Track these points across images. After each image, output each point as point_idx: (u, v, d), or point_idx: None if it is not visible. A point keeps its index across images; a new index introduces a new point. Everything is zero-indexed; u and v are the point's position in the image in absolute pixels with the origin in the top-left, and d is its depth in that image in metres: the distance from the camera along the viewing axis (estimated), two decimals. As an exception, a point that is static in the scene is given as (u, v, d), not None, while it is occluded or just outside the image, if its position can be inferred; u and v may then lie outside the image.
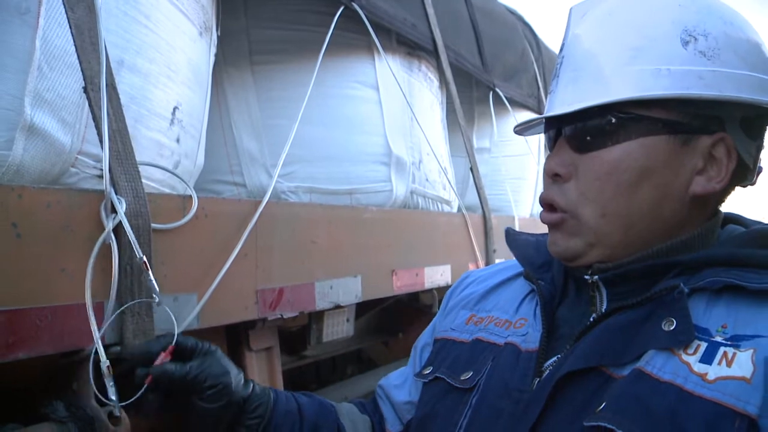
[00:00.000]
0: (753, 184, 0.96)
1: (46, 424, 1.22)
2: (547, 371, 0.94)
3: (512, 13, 4.39)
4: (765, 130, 0.95)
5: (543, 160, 4.60)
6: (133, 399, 1.09)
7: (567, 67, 0.95)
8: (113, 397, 1.12)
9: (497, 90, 3.64)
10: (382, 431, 1.23)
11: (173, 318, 1.16)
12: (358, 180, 2.48)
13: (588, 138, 0.93)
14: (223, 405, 1.08)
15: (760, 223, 0.99)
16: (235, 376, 1.11)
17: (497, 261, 3.07)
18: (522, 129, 1.11)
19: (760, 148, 0.94)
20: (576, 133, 0.94)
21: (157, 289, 1.25)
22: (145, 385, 1.06)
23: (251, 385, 1.14)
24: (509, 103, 3.73)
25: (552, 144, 0.99)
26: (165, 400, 1.09)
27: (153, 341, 1.12)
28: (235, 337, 1.74)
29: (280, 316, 1.69)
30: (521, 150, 4.10)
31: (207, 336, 1.64)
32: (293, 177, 2.40)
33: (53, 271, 1.21)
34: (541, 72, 4.37)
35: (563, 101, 0.94)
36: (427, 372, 1.13)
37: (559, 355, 0.95)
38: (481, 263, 2.87)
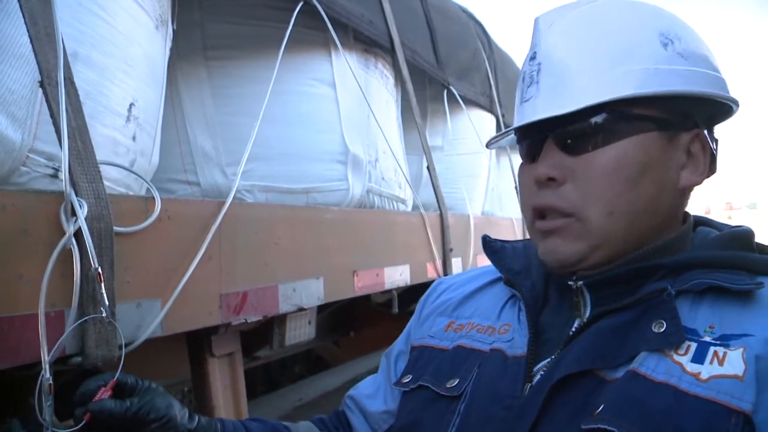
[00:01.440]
0: (714, 173, 1.00)
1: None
2: (538, 376, 0.93)
3: (465, 11, 4.39)
4: (719, 124, 1.01)
5: (495, 160, 4.64)
6: (68, 431, 1.04)
7: (546, 73, 0.95)
8: (47, 418, 1.07)
9: (451, 88, 3.63)
10: None
11: (121, 337, 1.10)
12: (314, 179, 2.43)
13: (582, 139, 0.93)
14: None
15: (728, 226, 1.03)
16: (179, 410, 1.08)
17: (453, 260, 3.07)
18: (496, 140, 1.09)
19: (717, 142, 1.00)
20: (568, 136, 0.93)
21: (107, 303, 1.19)
22: (83, 422, 1.02)
23: (196, 418, 1.11)
24: (463, 101, 3.72)
25: (530, 152, 0.98)
26: None
27: (92, 379, 1.07)
28: (197, 343, 1.68)
29: (244, 321, 1.63)
30: (474, 148, 4.11)
31: (167, 342, 1.58)
32: (249, 175, 2.33)
33: (10, 278, 1.13)
34: (492, 71, 4.38)
35: (551, 105, 0.93)
36: (407, 380, 1.10)
37: (548, 360, 0.94)
38: (439, 263, 2.85)
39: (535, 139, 0.97)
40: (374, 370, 3.22)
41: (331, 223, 2.05)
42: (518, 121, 0.98)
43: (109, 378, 1.06)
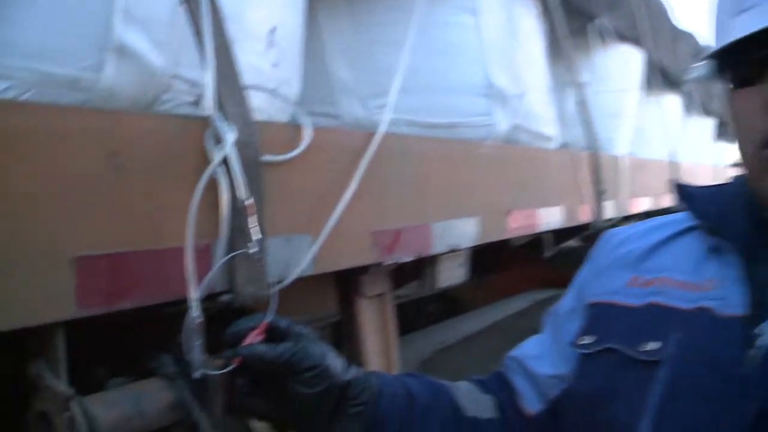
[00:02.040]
0: None
1: (155, 380, 1.08)
2: (760, 340, 0.78)
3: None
4: None
5: (645, 97, 4.31)
6: (217, 372, 0.98)
7: None
8: (197, 359, 0.98)
9: (598, 21, 3.35)
10: (514, 410, 1.06)
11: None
12: (458, 113, 2.27)
13: None
14: (322, 390, 0.96)
15: None
16: (334, 359, 0.98)
17: (607, 203, 2.84)
18: (700, 66, 0.90)
19: None
20: None
21: (257, 236, 1.08)
22: (233, 366, 0.95)
23: (353, 368, 1.01)
24: (609, 36, 3.43)
25: (752, 72, 0.81)
26: (256, 387, 0.98)
27: (242, 320, 0.99)
28: (346, 283, 1.57)
29: (396, 261, 1.51)
30: (619, 85, 3.82)
31: (316, 283, 1.48)
32: (394, 109, 2.19)
33: (154, 209, 1.04)
34: (643, 5, 4.03)
35: None
36: (589, 342, 0.95)
37: None
38: (591, 205, 2.64)
39: (758, 54, 0.79)
40: (517, 316, 3.05)
41: (484, 159, 1.89)
42: (739, 33, 0.79)
43: (260, 320, 0.99)
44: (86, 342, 1.11)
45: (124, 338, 1.15)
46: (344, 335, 1.59)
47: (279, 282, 1.19)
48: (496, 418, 1.06)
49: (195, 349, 1.00)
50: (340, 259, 1.37)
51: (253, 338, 0.97)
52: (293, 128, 1.27)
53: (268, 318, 0.98)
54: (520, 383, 1.06)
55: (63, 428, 0.93)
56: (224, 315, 1.12)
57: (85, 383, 1.05)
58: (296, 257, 1.25)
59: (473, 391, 1.08)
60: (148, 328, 1.15)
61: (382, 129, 1.46)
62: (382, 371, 1.13)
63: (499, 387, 1.09)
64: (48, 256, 0.91)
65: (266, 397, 0.98)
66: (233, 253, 1.11)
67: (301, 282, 1.26)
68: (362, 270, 1.53)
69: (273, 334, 0.98)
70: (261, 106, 1.44)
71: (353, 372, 1.00)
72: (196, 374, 1.00)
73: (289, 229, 1.25)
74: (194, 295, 1.01)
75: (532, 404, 1.04)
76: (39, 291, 0.91)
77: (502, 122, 2.34)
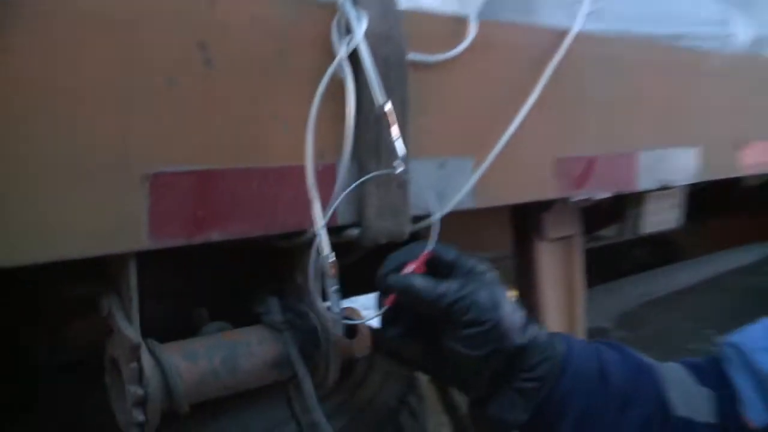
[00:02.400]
0: None
1: (256, 329, 0.87)
2: None
3: None
4: None
5: None
6: (365, 320, 0.85)
7: None
8: (335, 308, 0.81)
9: None
10: (734, 417, 0.79)
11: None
12: (685, 20, 1.86)
13: None
14: (486, 354, 0.76)
15: None
16: (510, 313, 0.77)
17: None
18: None
19: None
20: None
21: (403, 151, 0.83)
22: (384, 307, 0.80)
23: (532, 326, 0.80)
24: None
25: None
26: (405, 332, 0.83)
27: (399, 252, 0.84)
28: (522, 221, 1.29)
29: (587, 198, 1.20)
30: None
31: (484, 219, 1.21)
32: (600, 16, 1.82)
33: (262, 117, 0.82)
34: None
35: None
36: None
37: None
38: None
39: None
40: (743, 272, 2.56)
41: (715, 76, 1.49)
42: None
43: (420, 250, 0.81)
44: (189, 278, 0.93)
45: (232, 275, 0.95)
46: (519, 285, 1.31)
47: (423, 217, 0.94)
48: (716, 423, 0.77)
49: (332, 297, 0.81)
50: (511, 191, 1.09)
51: (410, 269, 0.81)
52: (454, 21, 0.98)
53: (430, 247, 0.81)
54: (741, 383, 0.76)
55: (131, 380, 0.75)
56: (346, 255, 0.90)
57: (181, 328, 0.87)
58: (452, 186, 0.99)
59: (686, 381, 0.82)
60: (260, 264, 0.94)
61: (575, 27, 1.14)
62: (570, 335, 0.85)
63: (718, 381, 0.79)
64: (113, 171, 0.72)
65: (419, 346, 0.83)
66: (367, 176, 0.87)
67: (459, 218, 1.00)
68: (543, 206, 1.23)
69: (437, 270, 0.81)
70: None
71: (531, 332, 0.79)
72: (336, 328, 0.80)
73: (443, 150, 0.98)
74: (322, 227, 0.79)
75: (757, 414, 0.75)
76: (102, 215, 0.72)
77: (742, 32, 1.90)
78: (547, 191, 1.14)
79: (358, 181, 0.86)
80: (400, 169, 0.83)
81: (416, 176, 0.94)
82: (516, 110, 1.03)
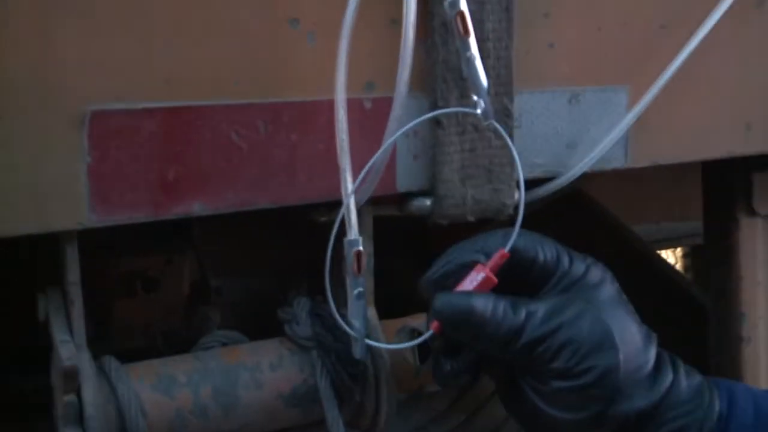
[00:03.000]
0: None
1: (276, 344, 0.59)
2: None
3: None
4: None
5: None
6: (398, 346, 0.59)
7: None
8: (356, 320, 0.55)
9: None
10: None
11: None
12: None
13: None
14: (588, 418, 0.50)
15: None
16: (630, 357, 0.51)
17: None
18: None
19: None
20: None
21: (483, 79, 0.51)
22: (426, 334, 0.53)
23: (669, 376, 0.52)
24: None
25: None
26: (469, 368, 0.54)
27: (459, 246, 0.54)
28: (719, 192, 0.90)
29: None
30: None
31: (648, 186, 0.85)
32: None
33: (271, 20, 0.53)
34: None
35: None
36: None
37: None
38: None
39: None
40: None
41: None
42: None
43: (496, 243, 0.52)
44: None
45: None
46: (714, 280, 0.93)
47: (533, 180, 0.61)
48: None
49: (353, 303, 0.55)
50: (690, 142, 0.72)
51: (472, 281, 0.51)
52: None
53: (512, 240, 0.51)
54: None
55: (65, 421, 0.50)
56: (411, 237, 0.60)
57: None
58: (591, 133, 0.65)
59: None
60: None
61: None
62: (737, 383, 0.52)
63: None
64: (32, 112, 0.47)
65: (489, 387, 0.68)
66: (434, 113, 0.56)
67: (606, 184, 0.66)
68: (749, 165, 0.84)
69: (520, 278, 0.53)
70: None
71: (665, 382, 0.52)
72: (358, 352, 0.51)
73: (576, 76, 0.64)
74: (350, 194, 0.51)
75: None
76: (17, 179, 0.48)
77: None
78: (757, 141, 0.76)
79: (416, 122, 0.55)
80: (480, 109, 0.51)
81: (529, 117, 0.61)
82: (699, 16, 0.67)
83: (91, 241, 0.54)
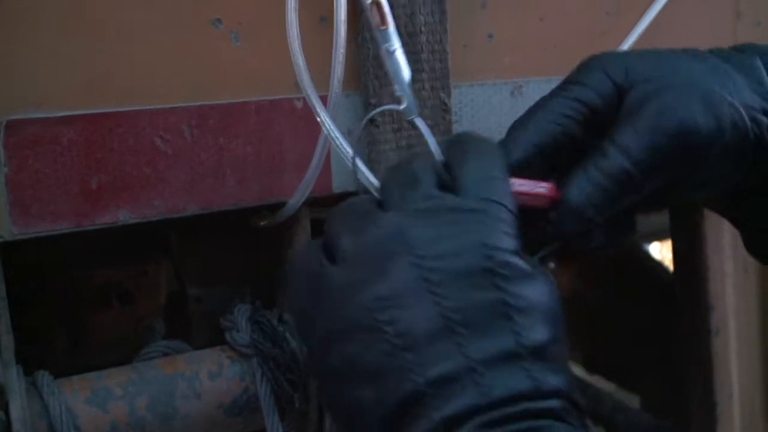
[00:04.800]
0: None
1: (217, 352, 0.57)
2: None
3: None
4: None
5: None
6: None
7: None
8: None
9: None
10: None
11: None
12: None
13: None
14: None
15: None
16: None
17: None
18: None
19: None
20: None
21: (405, 73, 0.49)
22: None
23: None
24: None
25: None
26: None
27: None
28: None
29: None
30: None
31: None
32: None
33: (194, 20, 0.52)
34: None
35: None
36: None
37: None
38: None
39: None
40: None
41: None
42: None
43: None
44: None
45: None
46: (680, 265, 0.91)
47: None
48: None
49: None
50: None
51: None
52: None
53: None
54: None
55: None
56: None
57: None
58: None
59: None
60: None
61: None
62: None
63: None
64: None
65: None
66: (372, 113, 0.54)
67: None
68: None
69: None
70: None
71: None
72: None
73: (516, 68, 0.63)
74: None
75: None
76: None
77: None
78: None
79: (364, 124, 0.54)
80: (404, 105, 0.49)
81: (470, 111, 0.60)
82: (646, 1, 0.65)
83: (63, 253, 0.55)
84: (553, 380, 0.37)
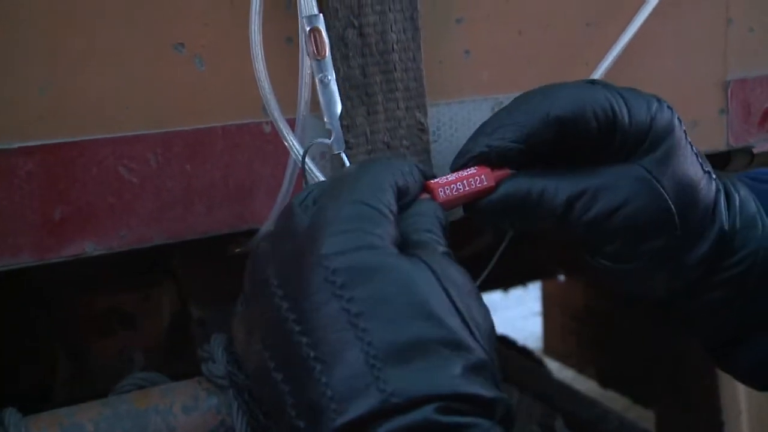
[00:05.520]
0: None
1: (192, 384, 0.56)
2: None
3: None
4: None
5: None
6: None
7: None
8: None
9: None
10: None
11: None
12: None
13: None
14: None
15: None
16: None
17: None
18: None
19: None
20: None
21: (334, 100, 0.49)
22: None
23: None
24: None
25: None
26: None
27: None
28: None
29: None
30: None
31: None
32: None
33: (157, 44, 0.51)
34: None
35: None
36: None
37: None
38: None
39: None
40: None
41: None
42: None
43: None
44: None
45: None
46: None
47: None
48: None
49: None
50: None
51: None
52: None
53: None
54: None
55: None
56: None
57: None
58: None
59: None
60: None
61: None
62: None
63: None
64: None
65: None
66: (311, 143, 0.52)
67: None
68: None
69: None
70: None
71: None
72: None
73: (495, 84, 0.61)
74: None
75: None
76: None
77: None
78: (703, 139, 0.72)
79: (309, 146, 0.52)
80: (332, 139, 0.48)
81: (449, 130, 0.58)
82: (628, 12, 0.63)
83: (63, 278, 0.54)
84: (417, 386, 0.35)
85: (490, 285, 1.36)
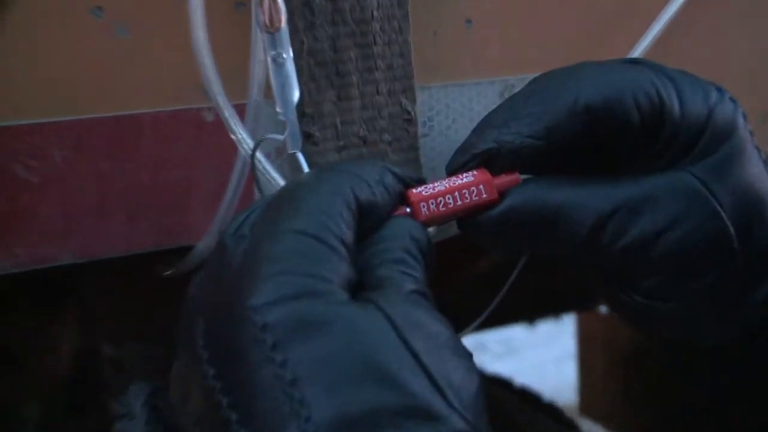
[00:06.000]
0: None
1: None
2: None
3: None
4: None
5: None
6: None
7: None
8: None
9: None
10: None
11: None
12: None
13: None
14: None
15: None
16: None
17: None
18: None
19: None
20: None
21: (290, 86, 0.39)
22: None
23: None
24: None
25: None
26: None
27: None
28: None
29: None
30: None
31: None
32: None
33: (70, 11, 0.39)
34: None
35: None
36: None
37: None
38: None
39: None
40: None
41: None
42: None
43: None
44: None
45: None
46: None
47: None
48: None
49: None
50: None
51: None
52: None
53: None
54: None
55: None
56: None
57: None
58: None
59: None
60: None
61: None
62: None
63: None
64: None
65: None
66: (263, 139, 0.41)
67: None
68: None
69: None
70: None
71: None
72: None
73: (505, 61, 0.49)
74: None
75: None
76: None
77: None
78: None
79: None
80: (285, 134, 0.37)
81: (445, 121, 0.46)
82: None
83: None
84: None
85: (509, 316, 1.13)
